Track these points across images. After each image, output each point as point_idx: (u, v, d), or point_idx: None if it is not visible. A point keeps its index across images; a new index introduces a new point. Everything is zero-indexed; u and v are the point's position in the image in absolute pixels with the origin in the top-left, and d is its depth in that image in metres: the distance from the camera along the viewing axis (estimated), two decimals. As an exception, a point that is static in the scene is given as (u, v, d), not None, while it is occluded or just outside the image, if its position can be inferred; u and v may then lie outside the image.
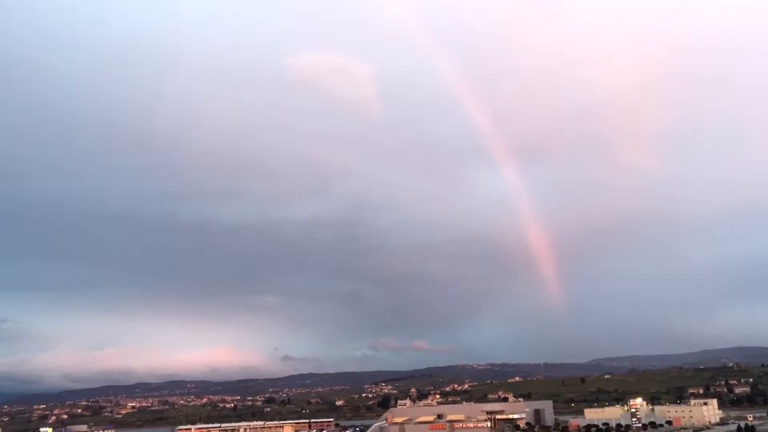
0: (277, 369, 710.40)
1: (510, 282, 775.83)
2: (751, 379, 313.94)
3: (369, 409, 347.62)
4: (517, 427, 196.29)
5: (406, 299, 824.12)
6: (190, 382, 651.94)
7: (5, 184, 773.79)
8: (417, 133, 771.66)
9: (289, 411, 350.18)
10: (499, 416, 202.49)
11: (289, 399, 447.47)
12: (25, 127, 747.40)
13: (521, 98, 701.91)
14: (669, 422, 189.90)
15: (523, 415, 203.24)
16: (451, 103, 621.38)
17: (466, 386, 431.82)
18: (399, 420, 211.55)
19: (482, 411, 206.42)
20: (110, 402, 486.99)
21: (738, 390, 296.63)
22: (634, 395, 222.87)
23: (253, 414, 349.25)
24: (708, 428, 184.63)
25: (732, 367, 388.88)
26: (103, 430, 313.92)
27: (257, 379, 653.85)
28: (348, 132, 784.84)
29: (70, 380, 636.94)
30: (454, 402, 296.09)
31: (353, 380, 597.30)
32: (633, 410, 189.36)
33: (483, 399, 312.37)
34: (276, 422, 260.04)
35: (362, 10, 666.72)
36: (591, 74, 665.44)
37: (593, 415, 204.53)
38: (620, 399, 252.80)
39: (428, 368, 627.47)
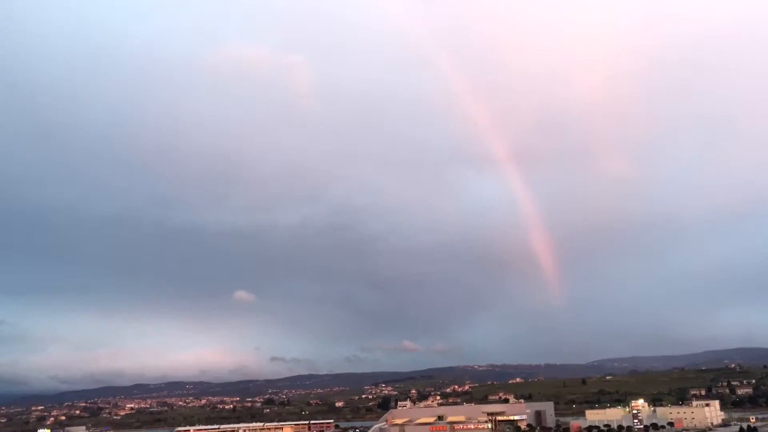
0: (275, 370, 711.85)
1: (510, 283, 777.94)
2: (753, 381, 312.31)
3: (369, 410, 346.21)
4: (518, 428, 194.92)
5: (406, 301, 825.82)
6: (189, 383, 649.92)
7: (3, 190, 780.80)
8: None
9: (288, 412, 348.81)
10: (499, 417, 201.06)
11: (288, 400, 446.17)
12: (20, 134, 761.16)
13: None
14: (671, 423, 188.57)
15: (524, 417, 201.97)
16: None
17: (466, 387, 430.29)
18: (399, 421, 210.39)
19: (483, 412, 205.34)
20: (108, 403, 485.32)
21: (740, 391, 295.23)
22: (636, 396, 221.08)
23: (252, 415, 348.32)
24: (710, 430, 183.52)
25: (734, 368, 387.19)
26: (101, 431, 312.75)
27: (256, 380, 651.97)
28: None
29: (68, 382, 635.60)
30: (454, 403, 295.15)
31: (353, 381, 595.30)
32: (635, 411, 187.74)
33: (484, 400, 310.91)
34: (275, 423, 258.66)
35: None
36: (571, 85, 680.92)
37: (594, 416, 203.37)
38: (622, 400, 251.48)
39: (428, 369, 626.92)
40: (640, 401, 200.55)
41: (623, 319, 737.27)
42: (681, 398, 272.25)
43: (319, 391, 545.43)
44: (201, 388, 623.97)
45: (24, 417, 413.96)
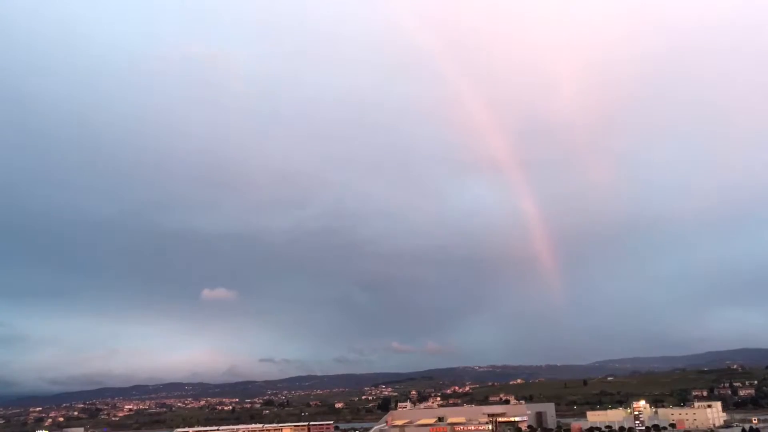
0: (274, 371, 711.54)
1: (511, 284, 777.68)
2: (755, 382, 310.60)
3: (369, 411, 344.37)
4: (519, 429, 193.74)
5: (406, 302, 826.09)
6: (188, 384, 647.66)
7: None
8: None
9: (287, 413, 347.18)
10: (500, 419, 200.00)
11: (287, 401, 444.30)
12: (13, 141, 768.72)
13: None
14: (672, 425, 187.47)
15: (525, 418, 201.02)
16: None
17: (467, 388, 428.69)
18: (399, 423, 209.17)
19: (483, 413, 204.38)
20: (107, 404, 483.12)
21: (742, 392, 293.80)
22: (637, 398, 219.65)
23: (251, 416, 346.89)
24: (712, 431, 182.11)
25: (736, 370, 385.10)
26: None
27: (255, 382, 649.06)
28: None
29: (65, 383, 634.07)
30: (455, 404, 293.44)
31: (353, 382, 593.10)
32: (636, 413, 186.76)
33: (484, 401, 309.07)
34: (275, 425, 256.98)
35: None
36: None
37: (596, 417, 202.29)
38: (623, 401, 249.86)
39: (429, 370, 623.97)
40: (642, 402, 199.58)
41: (624, 320, 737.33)
42: (683, 399, 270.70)
43: (318, 392, 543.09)
44: (200, 389, 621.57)
45: (22, 418, 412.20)
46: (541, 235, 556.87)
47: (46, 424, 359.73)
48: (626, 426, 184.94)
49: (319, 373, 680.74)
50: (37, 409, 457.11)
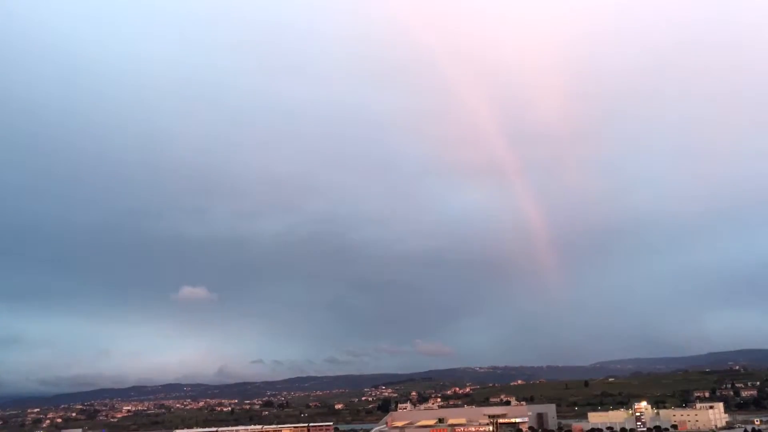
0: (273, 372, 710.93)
1: (511, 285, 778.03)
2: (758, 383, 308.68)
3: (369, 412, 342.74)
4: (520, 431, 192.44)
5: (405, 304, 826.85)
6: (187, 385, 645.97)
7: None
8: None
9: (287, 414, 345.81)
10: (501, 420, 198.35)
11: (287, 402, 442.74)
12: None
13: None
14: (674, 426, 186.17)
15: (526, 419, 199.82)
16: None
17: (467, 389, 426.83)
18: (399, 424, 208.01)
19: (484, 415, 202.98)
20: (105, 406, 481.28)
21: (745, 393, 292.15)
22: (639, 399, 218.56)
23: (250, 418, 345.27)
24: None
25: (738, 371, 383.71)
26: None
27: (254, 383, 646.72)
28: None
29: (63, 384, 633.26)
30: (455, 405, 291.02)
31: (353, 383, 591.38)
32: (637, 414, 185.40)
33: (485, 402, 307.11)
34: (274, 426, 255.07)
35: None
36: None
37: (597, 418, 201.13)
38: (624, 402, 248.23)
39: (429, 371, 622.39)
40: (643, 403, 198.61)
41: (626, 321, 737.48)
42: (684, 400, 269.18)
43: (318, 393, 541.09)
44: (199, 390, 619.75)
45: (19, 419, 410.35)
46: (542, 237, 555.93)
47: (44, 425, 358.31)
48: (628, 427, 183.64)
49: (318, 374, 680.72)
50: (35, 410, 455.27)
